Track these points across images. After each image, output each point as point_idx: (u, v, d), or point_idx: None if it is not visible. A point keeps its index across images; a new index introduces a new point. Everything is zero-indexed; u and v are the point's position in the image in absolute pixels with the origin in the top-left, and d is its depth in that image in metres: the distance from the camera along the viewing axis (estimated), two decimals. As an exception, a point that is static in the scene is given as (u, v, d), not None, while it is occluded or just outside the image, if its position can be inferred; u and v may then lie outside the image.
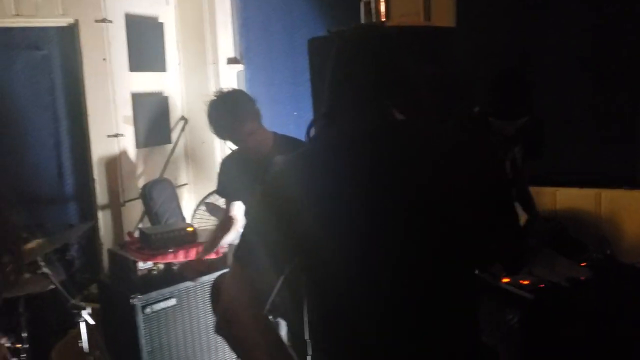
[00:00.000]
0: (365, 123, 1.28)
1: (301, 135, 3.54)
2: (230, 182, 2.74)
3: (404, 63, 1.33)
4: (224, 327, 1.26)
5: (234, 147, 2.65)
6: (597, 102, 3.29)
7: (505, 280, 2.45)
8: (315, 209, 1.22)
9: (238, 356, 1.34)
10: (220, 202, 4.25)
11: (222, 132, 2.55)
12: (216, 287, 2.82)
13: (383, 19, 3.01)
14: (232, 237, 2.93)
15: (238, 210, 2.90)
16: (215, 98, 2.57)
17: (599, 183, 3.42)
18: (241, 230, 2.89)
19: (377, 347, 1.22)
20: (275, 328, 1.28)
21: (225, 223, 2.92)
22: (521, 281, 2.43)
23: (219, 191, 2.88)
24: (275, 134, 2.65)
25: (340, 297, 1.24)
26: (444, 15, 3.68)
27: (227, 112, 2.50)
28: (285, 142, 2.61)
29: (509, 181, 1.38)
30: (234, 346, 1.28)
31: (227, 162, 2.83)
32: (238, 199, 2.82)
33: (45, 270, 2.59)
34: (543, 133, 2.76)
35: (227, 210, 2.90)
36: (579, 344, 2.20)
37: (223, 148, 4.78)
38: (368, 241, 1.21)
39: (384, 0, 3.04)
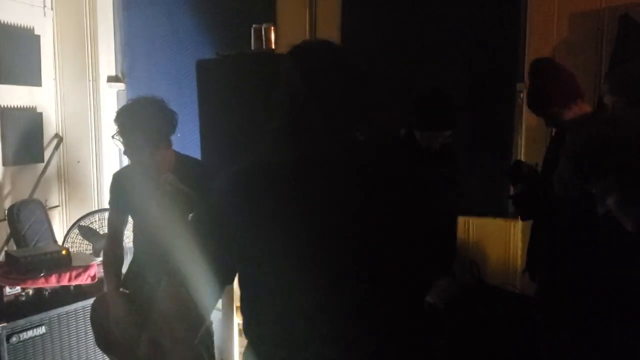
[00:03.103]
0: (326, 143, 1.26)
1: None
2: (124, 194, 2.59)
3: (362, 82, 1.31)
4: (152, 348, 1.21)
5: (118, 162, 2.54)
6: (470, 140, 3.55)
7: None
8: (261, 222, 1.21)
9: None
10: (95, 225, 4.07)
11: (133, 136, 2.37)
12: (95, 311, 2.67)
13: (272, 46, 3.07)
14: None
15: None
16: (142, 98, 2.43)
17: (468, 212, 3.69)
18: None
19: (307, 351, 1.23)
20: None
21: (115, 242, 2.73)
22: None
23: (112, 203, 2.70)
24: (177, 152, 2.60)
25: (277, 307, 1.24)
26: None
27: (145, 116, 2.36)
28: (188, 162, 2.58)
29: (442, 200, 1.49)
30: None
31: (122, 172, 2.69)
32: (131, 213, 2.71)
33: None
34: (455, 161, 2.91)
35: (116, 224, 2.72)
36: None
37: (100, 168, 4.59)
38: (310, 257, 1.21)
39: (274, 29, 3.10)
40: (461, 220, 3.67)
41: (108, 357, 2.74)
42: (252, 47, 3.08)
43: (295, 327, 1.23)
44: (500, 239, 3.65)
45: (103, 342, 2.67)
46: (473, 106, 3.57)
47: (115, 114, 2.44)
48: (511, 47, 3.56)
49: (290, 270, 1.21)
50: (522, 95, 3.51)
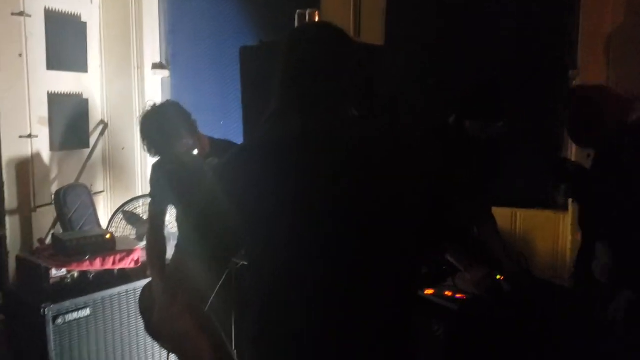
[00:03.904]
0: (318, 120, 1.29)
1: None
2: (165, 186, 2.63)
3: (359, 62, 1.37)
4: (163, 325, 1.23)
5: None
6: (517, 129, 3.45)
7: (430, 291, 2.50)
8: (262, 198, 1.21)
9: (178, 355, 1.31)
10: (139, 210, 4.11)
11: (157, 151, 2.50)
12: (143, 301, 2.72)
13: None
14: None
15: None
16: (146, 114, 2.49)
17: (515, 203, 3.59)
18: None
19: (309, 329, 1.24)
20: (217, 327, 1.30)
21: (156, 234, 2.78)
22: (445, 292, 2.49)
23: (153, 196, 2.75)
24: (211, 138, 2.65)
25: (278, 285, 1.25)
26: (373, 34, 3.78)
27: (161, 130, 2.43)
28: (223, 146, 2.60)
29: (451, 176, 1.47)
30: (175, 345, 1.25)
31: (160, 166, 2.74)
32: (172, 203, 2.73)
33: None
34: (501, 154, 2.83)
35: (157, 215, 2.76)
36: (500, 355, 2.28)
37: (144, 155, 4.62)
38: (308, 231, 1.23)
39: (318, 14, 3.05)
40: (508, 211, 3.58)
41: (158, 344, 2.78)
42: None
43: (293, 307, 1.24)
44: (549, 232, 3.54)
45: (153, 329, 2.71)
46: (523, 94, 3.46)
47: (139, 125, 2.52)
48: (564, 33, 3.43)
49: (283, 252, 1.22)
50: (574, 82, 3.39)
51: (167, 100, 2.68)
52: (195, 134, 2.54)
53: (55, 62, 4.14)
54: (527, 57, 3.53)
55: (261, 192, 1.21)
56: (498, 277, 2.57)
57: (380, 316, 1.29)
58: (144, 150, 2.53)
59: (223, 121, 4.41)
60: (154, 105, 2.55)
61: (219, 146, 2.63)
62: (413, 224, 1.31)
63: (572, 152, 3.28)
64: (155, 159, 2.68)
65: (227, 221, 1.23)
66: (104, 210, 4.62)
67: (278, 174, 1.23)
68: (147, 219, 3.19)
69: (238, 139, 3.86)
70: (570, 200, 3.39)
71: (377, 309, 1.28)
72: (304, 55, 1.32)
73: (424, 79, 3.70)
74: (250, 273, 1.32)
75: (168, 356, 2.93)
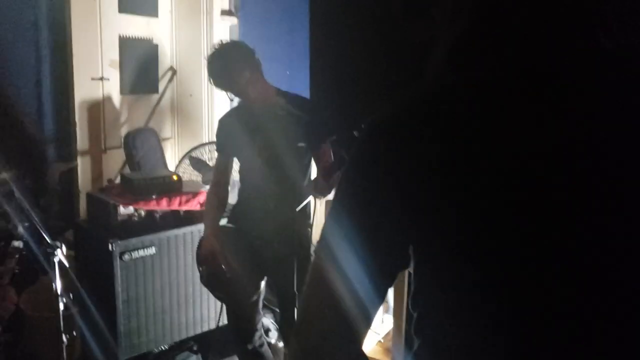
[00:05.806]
0: (546, 54, 0.76)
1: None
2: (230, 138, 2.64)
3: None
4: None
5: (234, 102, 2.57)
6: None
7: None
8: (448, 179, 0.76)
9: None
10: (205, 156, 4.13)
11: (222, 81, 2.50)
12: (199, 254, 2.75)
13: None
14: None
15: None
16: (213, 49, 2.55)
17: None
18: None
19: None
20: None
21: (220, 185, 2.75)
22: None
23: (219, 148, 2.75)
24: (277, 89, 2.59)
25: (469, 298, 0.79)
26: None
27: (225, 60, 2.47)
28: (289, 94, 2.55)
29: None
30: None
31: (226, 118, 2.74)
32: (237, 156, 2.73)
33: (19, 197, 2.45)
34: None
35: (222, 168, 2.76)
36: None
37: (211, 102, 4.64)
38: (526, 233, 0.74)
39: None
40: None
41: (213, 294, 2.80)
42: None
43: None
44: None
45: (208, 280, 2.72)
46: None
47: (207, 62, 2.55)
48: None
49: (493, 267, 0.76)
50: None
51: (231, 39, 2.67)
52: (257, 71, 2.51)
53: (126, 5, 4.16)
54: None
55: (444, 171, 0.76)
56: None
57: None
58: (210, 83, 2.55)
59: (289, 71, 4.34)
60: (219, 42, 2.61)
61: (284, 94, 2.55)
62: None
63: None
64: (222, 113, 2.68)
65: (391, 213, 0.80)
66: (171, 156, 4.67)
67: (471, 156, 0.75)
68: (213, 167, 3.20)
69: (304, 90, 3.80)
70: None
71: None
72: None
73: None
74: (426, 300, 0.86)
75: (222, 307, 2.96)
